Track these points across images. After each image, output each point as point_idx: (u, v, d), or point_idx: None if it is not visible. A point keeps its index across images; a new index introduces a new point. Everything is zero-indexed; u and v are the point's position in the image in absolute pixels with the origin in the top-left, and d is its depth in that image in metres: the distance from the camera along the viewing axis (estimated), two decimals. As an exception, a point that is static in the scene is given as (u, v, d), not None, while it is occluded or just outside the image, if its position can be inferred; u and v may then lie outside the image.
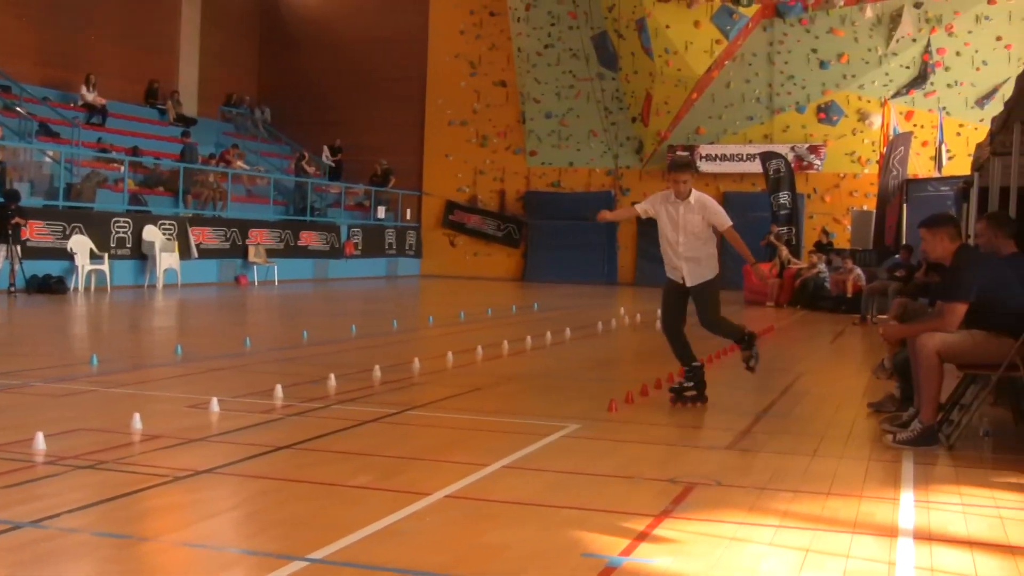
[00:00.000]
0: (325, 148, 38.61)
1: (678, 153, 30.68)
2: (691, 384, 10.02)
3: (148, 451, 7.33)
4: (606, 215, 10.49)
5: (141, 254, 25.77)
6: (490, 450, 7.60)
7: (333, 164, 38.33)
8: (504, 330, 17.24)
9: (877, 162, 31.64)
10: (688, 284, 9.92)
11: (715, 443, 8.30)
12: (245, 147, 36.06)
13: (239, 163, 33.16)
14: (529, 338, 15.42)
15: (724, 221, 9.90)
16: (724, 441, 8.38)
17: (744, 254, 10.14)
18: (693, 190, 9.90)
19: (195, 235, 27.68)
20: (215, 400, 8.93)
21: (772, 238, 28.45)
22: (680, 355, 10.10)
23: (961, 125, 33.29)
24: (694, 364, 10.07)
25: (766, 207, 30.68)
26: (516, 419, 9.06)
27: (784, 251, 27.64)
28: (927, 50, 34.04)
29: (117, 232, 25.12)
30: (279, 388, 9.72)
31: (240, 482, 6.56)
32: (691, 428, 8.91)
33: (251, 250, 29.59)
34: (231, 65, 40.32)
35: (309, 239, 32.83)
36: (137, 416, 7.95)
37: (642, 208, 10.18)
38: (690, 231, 9.86)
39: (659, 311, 10.87)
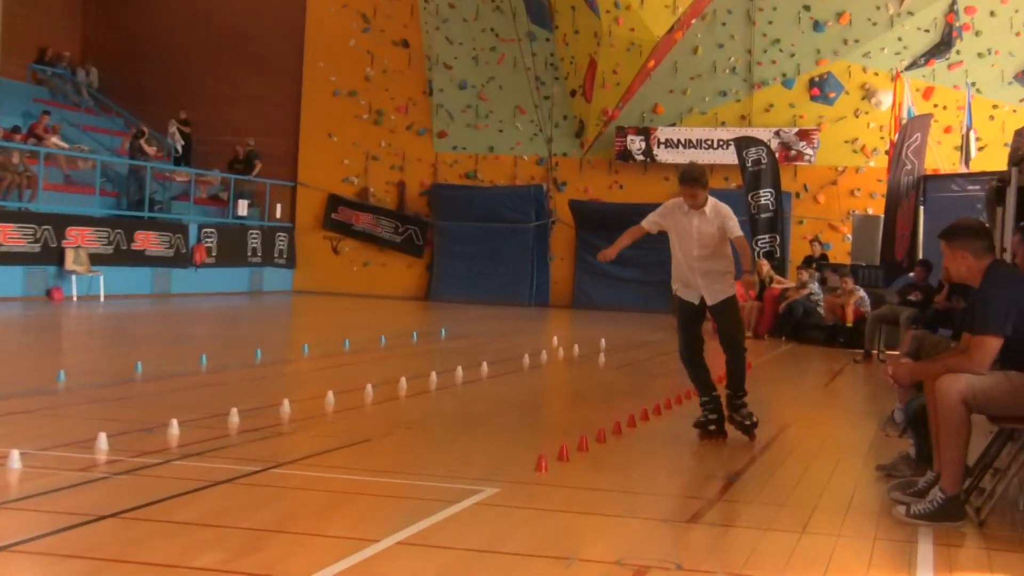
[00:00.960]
0: (173, 122, 38.14)
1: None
2: (715, 416, 11.51)
3: (-77, 520, 7.20)
4: (608, 254, 11.64)
5: (-79, 258, 25.44)
6: (379, 521, 7.57)
7: (182, 145, 37.91)
8: (402, 363, 17.23)
9: (886, 153, 31.96)
10: (709, 303, 11.47)
11: (674, 515, 8.32)
12: (63, 118, 35.72)
13: (54, 140, 32.81)
14: (434, 374, 15.43)
15: (734, 229, 11.40)
16: (686, 512, 8.40)
17: (745, 263, 11.68)
18: (710, 198, 11.40)
19: (-6, 234, 27.40)
20: (15, 453, 8.78)
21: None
22: (701, 383, 11.65)
23: (995, 106, 33.82)
24: (714, 394, 11.59)
25: (742, 209, 30.68)
26: (415, 480, 9.02)
27: (764, 266, 27.78)
28: (952, 9, 34.47)
29: None
30: (103, 437, 9.60)
31: (48, 563, 6.45)
32: (644, 495, 8.92)
33: (69, 255, 29.26)
34: (45, 12, 39.89)
35: (147, 242, 32.55)
36: (-91, 473, 7.81)
37: (651, 222, 11.69)
38: (706, 244, 11.37)
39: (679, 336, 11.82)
